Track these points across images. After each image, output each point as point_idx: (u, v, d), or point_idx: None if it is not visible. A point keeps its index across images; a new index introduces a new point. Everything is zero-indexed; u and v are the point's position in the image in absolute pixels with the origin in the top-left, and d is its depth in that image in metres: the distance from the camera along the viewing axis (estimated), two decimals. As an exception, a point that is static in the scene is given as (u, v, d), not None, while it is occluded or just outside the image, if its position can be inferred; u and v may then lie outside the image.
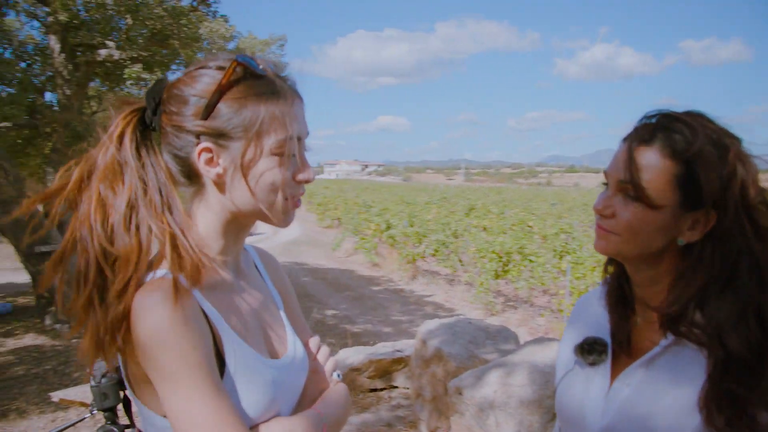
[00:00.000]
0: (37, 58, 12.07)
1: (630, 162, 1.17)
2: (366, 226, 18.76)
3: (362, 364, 5.72)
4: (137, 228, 1.06)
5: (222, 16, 11.07)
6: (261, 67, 1.14)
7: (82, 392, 5.87)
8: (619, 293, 1.35)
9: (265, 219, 1.18)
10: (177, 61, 11.55)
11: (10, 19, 11.60)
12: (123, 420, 1.99)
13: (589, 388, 1.32)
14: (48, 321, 10.33)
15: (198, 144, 1.11)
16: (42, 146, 12.09)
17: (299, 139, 1.17)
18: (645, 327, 1.30)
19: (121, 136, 1.11)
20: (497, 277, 12.35)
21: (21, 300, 11.91)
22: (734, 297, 1.12)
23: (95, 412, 2.43)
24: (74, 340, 9.42)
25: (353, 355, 5.86)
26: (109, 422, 2.44)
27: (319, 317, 10.80)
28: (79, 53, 10.38)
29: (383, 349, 6.07)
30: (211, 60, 1.14)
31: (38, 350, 8.51)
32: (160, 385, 1.01)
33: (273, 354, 1.24)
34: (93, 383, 2.37)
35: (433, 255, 15.10)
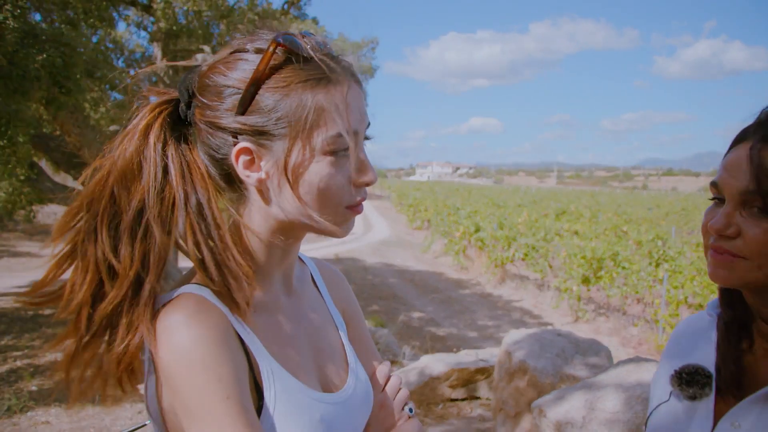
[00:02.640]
0: (143, 65, 12.78)
1: (757, 168, 0.96)
2: (455, 228, 18.60)
3: (443, 373, 5.60)
4: (144, 236, 0.90)
5: (312, 18, 11.25)
6: (307, 47, 0.92)
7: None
8: (733, 319, 1.14)
9: (319, 231, 0.99)
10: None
11: (121, 31, 12.35)
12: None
13: (688, 427, 1.13)
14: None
15: (235, 144, 0.93)
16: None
17: (356, 133, 0.96)
18: (763, 361, 1.09)
19: (146, 130, 0.94)
20: (588, 283, 11.95)
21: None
22: None
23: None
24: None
25: (434, 363, 5.74)
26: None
27: (405, 319, 10.76)
28: (178, 59, 10.91)
29: (466, 357, 5.92)
30: (250, 40, 0.95)
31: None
32: (183, 421, 0.86)
33: (326, 387, 1.06)
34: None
35: (523, 259, 14.78)
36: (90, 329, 0.90)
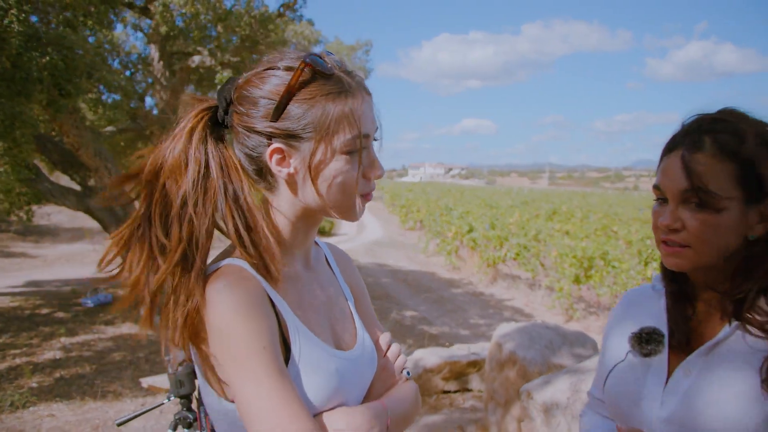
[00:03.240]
0: (139, 66, 12.84)
1: (689, 172, 1.18)
2: (447, 228, 18.77)
3: (437, 366, 5.77)
4: (189, 220, 1.08)
5: (308, 20, 11.35)
6: (329, 65, 1.14)
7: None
8: (680, 286, 1.35)
9: (337, 216, 1.20)
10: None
11: (118, 32, 12.43)
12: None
13: (644, 380, 1.32)
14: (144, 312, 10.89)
15: (270, 145, 1.13)
16: (143, 148, 12.92)
17: (368, 136, 1.17)
18: (705, 319, 1.30)
19: (191, 132, 1.13)
20: (578, 282, 12.13)
21: (121, 291, 12.58)
22: None
23: (172, 398, 2.62)
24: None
25: (428, 356, 5.91)
26: (184, 409, 2.63)
27: (398, 318, 10.91)
28: (175, 61, 10.95)
29: (459, 351, 6.10)
30: (279, 59, 1.15)
31: (134, 339, 8.97)
32: (226, 370, 1.05)
33: (339, 346, 1.25)
34: (170, 371, 2.56)
35: (515, 259, 14.96)
36: (149, 299, 1.11)
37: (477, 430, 4.89)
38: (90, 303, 10.63)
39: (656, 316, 1.37)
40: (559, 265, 12.66)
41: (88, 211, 10.74)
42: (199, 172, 1.11)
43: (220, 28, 9.59)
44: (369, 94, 1.19)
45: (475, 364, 5.81)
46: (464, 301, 13.31)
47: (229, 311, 1.04)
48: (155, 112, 12.38)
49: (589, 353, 4.57)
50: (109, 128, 11.65)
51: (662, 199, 1.26)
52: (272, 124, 1.12)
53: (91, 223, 16.93)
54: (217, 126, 1.18)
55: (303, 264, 1.29)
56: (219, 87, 1.20)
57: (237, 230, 1.11)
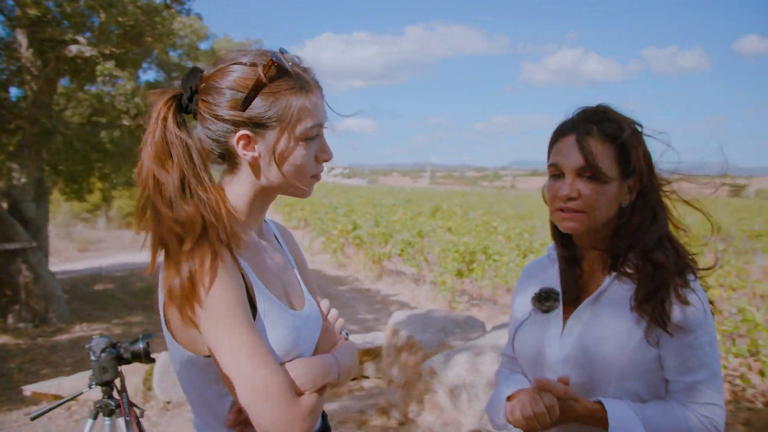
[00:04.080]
0: (1, 52, 11.76)
1: (584, 151, 1.47)
2: (332, 226, 18.85)
3: (333, 356, 5.84)
4: (192, 196, 1.20)
5: (196, 14, 11.01)
6: (290, 64, 1.29)
7: (55, 385, 5.93)
8: (569, 250, 1.64)
9: (291, 194, 1.38)
10: (148, 60, 11.47)
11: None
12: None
13: (546, 331, 1.59)
14: (11, 320, 10.24)
15: (237, 131, 1.27)
16: (6, 143, 11.89)
17: (321, 125, 1.35)
18: (590, 276, 1.60)
19: (165, 119, 1.24)
20: (461, 275, 12.55)
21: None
22: (656, 231, 1.51)
23: (93, 386, 2.57)
24: (39, 339, 9.38)
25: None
26: (106, 396, 2.59)
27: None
28: (47, 49, 10.20)
29: (354, 340, 6.20)
30: (243, 56, 1.29)
31: (2, 349, 8.45)
32: (204, 325, 1.17)
33: (292, 307, 1.39)
34: (93, 358, 2.52)
35: (399, 255, 15.26)
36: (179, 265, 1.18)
37: (377, 414, 5.03)
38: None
39: (552, 279, 1.66)
40: (442, 260, 13.03)
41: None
42: (185, 154, 1.23)
43: (102, 16, 9.11)
44: (320, 87, 1.36)
45: (370, 353, 5.95)
46: (351, 297, 13.47)
47: (208, 272, 1.16)
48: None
49: (479, 335, 4.83)
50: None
51: (557, 175, 1.53)
52: (240, 113, 1.26)
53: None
54: (181, 112, 1.30)
55: (257, 235, 1.43)
56: (185, 75, 1.32)
57: (210, 204, 1.22)
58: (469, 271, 12.63)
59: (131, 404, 2.59)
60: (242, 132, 1.27)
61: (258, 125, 1.27)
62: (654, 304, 1.44)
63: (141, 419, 2.61)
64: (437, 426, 3.83)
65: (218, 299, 1.15)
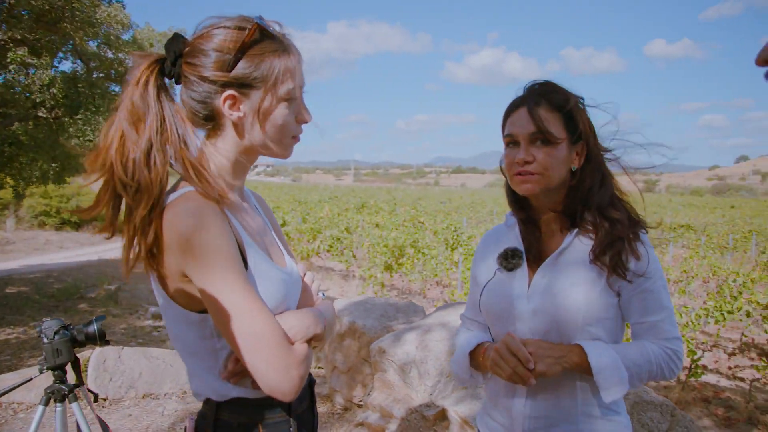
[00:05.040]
0: None
1: (535, 119, 1.62)
2: (259, 223, 18.60)
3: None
4: (155, 163, 1.22)
5: (118, 1, 10.54)
6: (272, 28, 1.35)
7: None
8: (527, 213, 1.77)
9: (273, 154, 1.42)
10: (65, 48, 10.91)
11: None
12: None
13: (512, 287, 1.71)
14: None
15: (223, 92, 1.30)
16: None
17: (301, 87, 1.40)
18: (549, 236, 1.75)
19: (146, 83, 1.26)
20: (390, 270, 12.69)
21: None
22: (606, 191, 1.68)
23: (45, 370, 2.52)
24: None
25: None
26: (57, 381, 2.54)
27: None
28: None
29: (289, 333, 6.19)
30: (227, 20, 1.33)
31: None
32: (199, 276, 1.20)
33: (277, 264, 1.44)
34: (45, 341, 2.46)
35: (328, 251, 15.30)
36: (130, 233, 1.23)
37: (321, 401, 5.07)
38: None
39: (513, 241, 1.78)
40: (371, 255, 13.16)
41: None
42: (158, 122, 1.25)
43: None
44: (299, 52, 1.40)
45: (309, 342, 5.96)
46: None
47: (203, 225, 1.20)
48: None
49: (420, 318, 4.97)
50: None
51: (513, 143, 1.67)
52: (226, 74, 1.29)
53: None
54: (163, 77, 1.32)
55: (239, 195, 1.47)
56: (168, 41, 1.34)
57: (188, 169, 1.26)
58: (398, 266, 12.76)
59: (87, 389, 2.56)
60: (228, 92, 1.30)
61: (243, 85, 1.31)
62: (612, 255, 1.60)
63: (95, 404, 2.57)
64: (387, 403, 3.92)
65: (213, 251, 1.19)
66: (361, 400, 4.62)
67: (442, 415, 3.54)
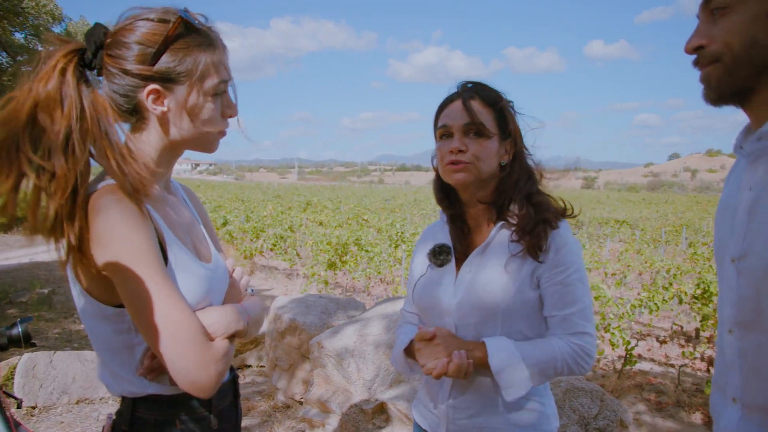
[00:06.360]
0: None
1: (469, 111, 1.69)
2: (201, 222, 18.32)
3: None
4: (72, 152, 1.18)
5: (48, -7, 10.13)
6: (197, 21, 1.32)
7: None
8: (455, 210, 1.83)
9: (198, 149, 1.41)
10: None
11: None
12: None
13: (441, 281, 1.77)
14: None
15: (146, 86, 1.28)
16: None
17: (227, 81, 1.38)
18: (477, 231, 1.80)
19: (63, 71, 1.21)
20: (334, 267, 12.64)
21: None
22: (533, 184, 1.76)
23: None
24: None
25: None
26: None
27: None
28: None
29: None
30: (149, 12, 1.29)
31: None
32: (115, 270, 1.17)
33: (201, 259, 1.42)
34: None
35: (271, 249, 15.14)
36: (44, 227, 1.17)
37: (263, 399, 5.02)
38: None
39: (445, 237, 1.85)
40: (315, 252, 13.09)
41: None
42: (76, 111, 1.20)
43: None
44: (225, 46, 1.39)
45: (253, 341, 5.90)
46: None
47: (121, 219, 1.17)
48: None
49: (361, 312, 4.95)
50: None
51: (447, 135, 1.73)
52: (149, 68, 1.27)
53: None
54: (83, 67, 1.27)
55: (165, 189, 1.46)
56: (88, 31, 1.30)
57: (110, 162, 1.22)
58: (342, 263, 12.73)
59: (7, 394, 2.46)
60: (152, 86, 1.28)
61: (167, 80, 1.29)
62: (532, 236, 1.65)
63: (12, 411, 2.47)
64: (326, 398, 3.91)
65: (129, 244, 1.16)
66: (302, 397, 4.59)
67: (381, 409, 3.57)
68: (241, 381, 5.71)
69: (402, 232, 14.27)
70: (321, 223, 18.51)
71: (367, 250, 12.68)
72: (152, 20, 1.28)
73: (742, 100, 1.27)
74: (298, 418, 4.33)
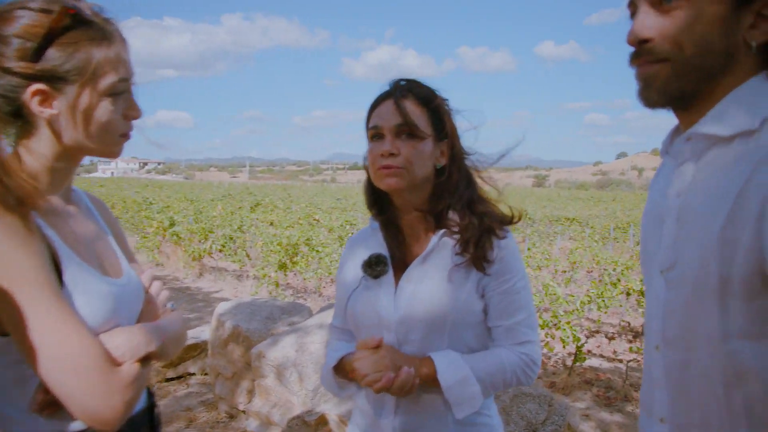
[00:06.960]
0: None
1: (401, 111, 1.56)
2: (148, 224, 17.94)
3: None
4: None
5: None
6: (88, 13, 1.18)
7: None
8: (387, 216, 1.71)
9: (98, 154, 1.26)
10: None
11: None
12: None
13: (378, 295, 1.65)
14: None
15: (29, 85, 1.13)
16: None
17: (127, 79, 1.24)
18: (414, 239, 1.69)
19: None
20: (285, 268, 12.50)
21: None
22: (473, 191, 1.66)
23: None
24: None
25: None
26: None
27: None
28: None
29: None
30: (31, 1, 1.14)
31: None
32: (4, 298, 1.02)
33: (108, 275, 1.28)
34: None
35: (220, 250, 14.88)
36: None
37: (206, 409, 4.87)
38: None
39: (378, 245, 1.71)
40: (265, 253, 12.93)
41: None
42: None
43: None
44: (126, 41, 1.25)
45: (195, 348, 5.72)
46: (171, 297, 12.82)
47: (2, 238, 1.02)
48: None
49: (305, 318, 4.87)
50: None
51: (378, 136, 1.60)
52: (31, 65, 1.12)
53: None
54: None
55: (65, 201, 1.31)
56: None
57: None
58: (292, 264, 12.59)
59: None
60: (36, 86, 1.13)
61: (55, 79, 1.14)
62: (476, 248, 1.56)
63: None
64: (267, 409, 3.80)
65: (12, 266, 1.02)
66: (245, 407, 4.45)
67: (323, 420, 3.47)
68: (183, 391, 5.53)
69: (353, 232, 14.20)
70: (272, 223, 18.30)
71: (318, 251, 12.57)
72: (33, 10, 1.13)
73: (683, 105, 1.17)
74: (241, 429, 4.20)
